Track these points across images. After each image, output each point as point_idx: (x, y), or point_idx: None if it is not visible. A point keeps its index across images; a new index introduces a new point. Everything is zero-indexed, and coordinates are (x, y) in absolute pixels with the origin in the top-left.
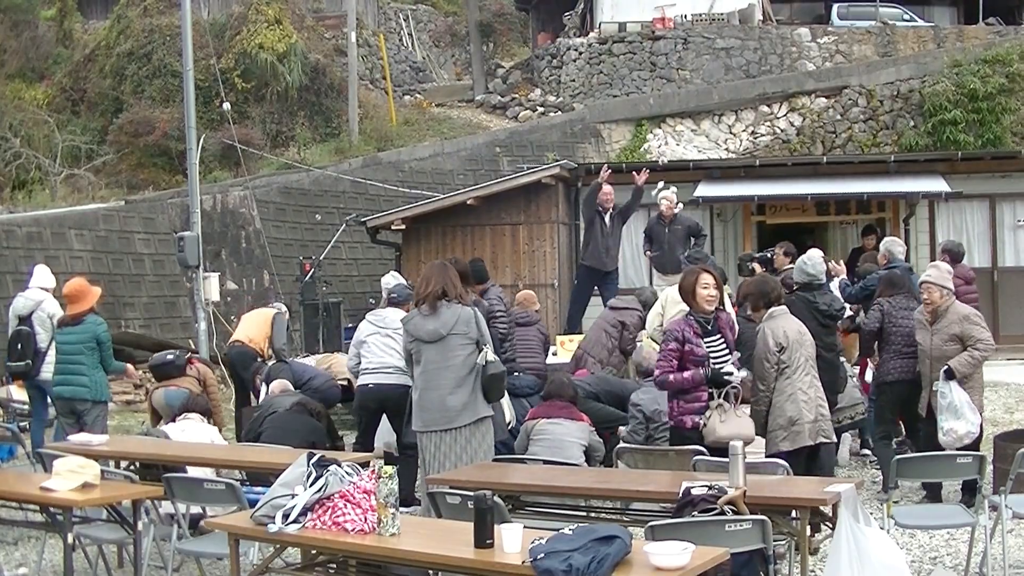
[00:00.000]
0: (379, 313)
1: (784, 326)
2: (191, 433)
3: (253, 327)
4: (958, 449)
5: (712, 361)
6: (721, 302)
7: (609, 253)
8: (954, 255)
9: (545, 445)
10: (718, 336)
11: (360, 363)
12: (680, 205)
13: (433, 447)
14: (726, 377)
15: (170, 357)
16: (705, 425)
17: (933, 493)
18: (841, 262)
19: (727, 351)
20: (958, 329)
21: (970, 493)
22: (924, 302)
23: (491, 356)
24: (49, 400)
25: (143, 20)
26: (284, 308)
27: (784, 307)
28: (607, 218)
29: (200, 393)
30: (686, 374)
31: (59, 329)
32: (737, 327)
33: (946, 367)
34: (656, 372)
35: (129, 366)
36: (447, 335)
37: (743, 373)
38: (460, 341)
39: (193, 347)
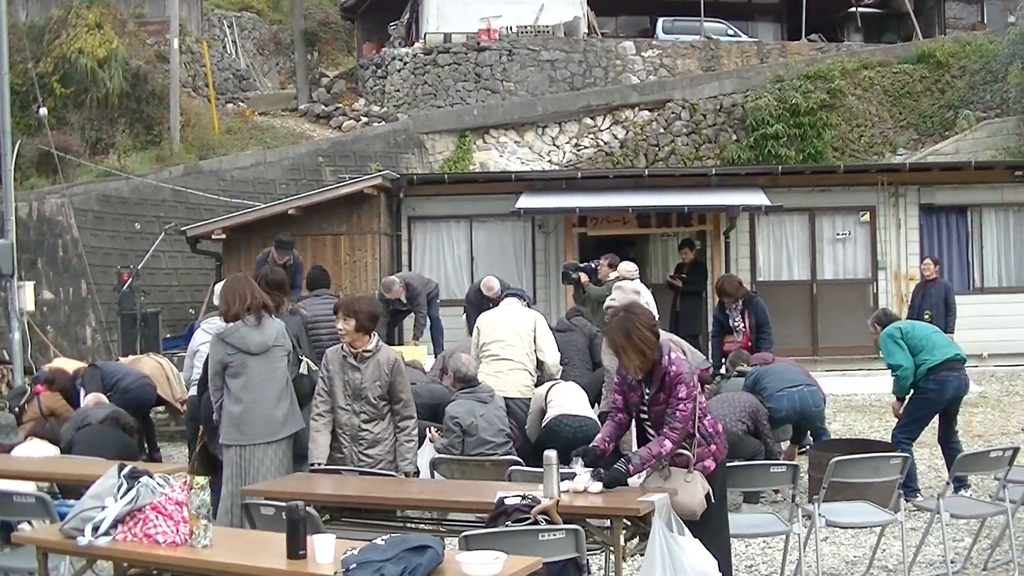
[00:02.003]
0: (212, 321)
1: None
2: (33, 452)
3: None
4: None
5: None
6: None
7: None
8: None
9: None
10: (648, 389)
11: (194, 373)
12: None
13: (256, 460)
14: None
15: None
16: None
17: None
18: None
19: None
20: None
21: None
22: None
23: (314, 365)
24: None
25: None
26: None
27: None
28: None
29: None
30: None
31: None
32: (681, 377)
33: None
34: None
35: None
36: (272, 347)
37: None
38: (280, 353)
39: (7, 357)
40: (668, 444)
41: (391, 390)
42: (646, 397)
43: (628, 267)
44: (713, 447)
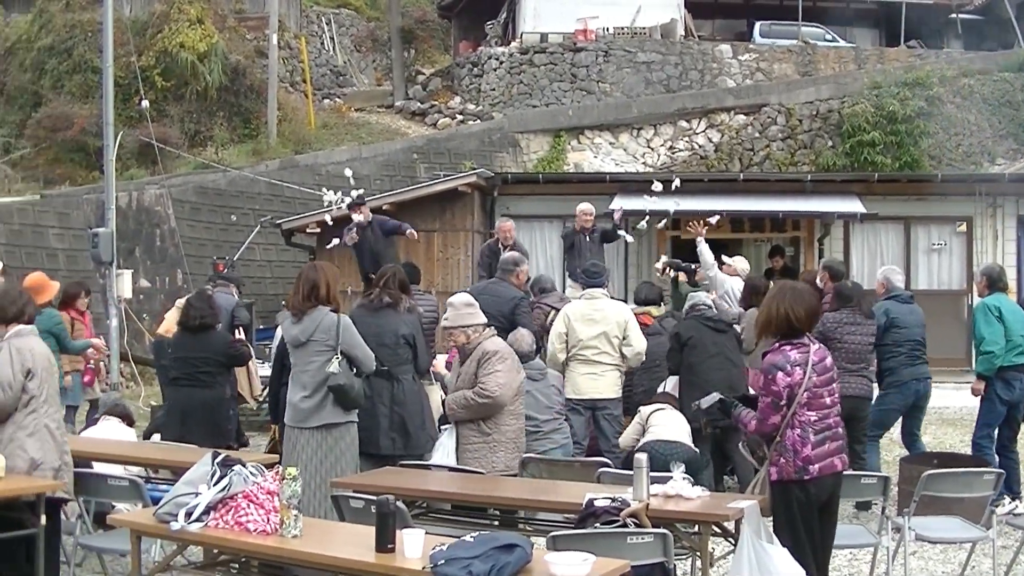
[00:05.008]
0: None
1: (32, 347)
2: (109, 435)
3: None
4: None
5: None
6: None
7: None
8: (834, 273)
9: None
10: None
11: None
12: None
13: (294, 439)
14: None
15: None
16: None
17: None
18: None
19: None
20: (474, 368)
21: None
22: (455, 346)
23: (335, 368)
24: None
25: (65, 15)
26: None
27: (31, 327)
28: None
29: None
30: None
31: None
32: (764, 367)
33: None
34: None
35: (95, 340)
36: (306, 342)
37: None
38: (317, 348)
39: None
40: (752, 424)
41: None
42: None
43: (742, 264)
44: (782, 460)
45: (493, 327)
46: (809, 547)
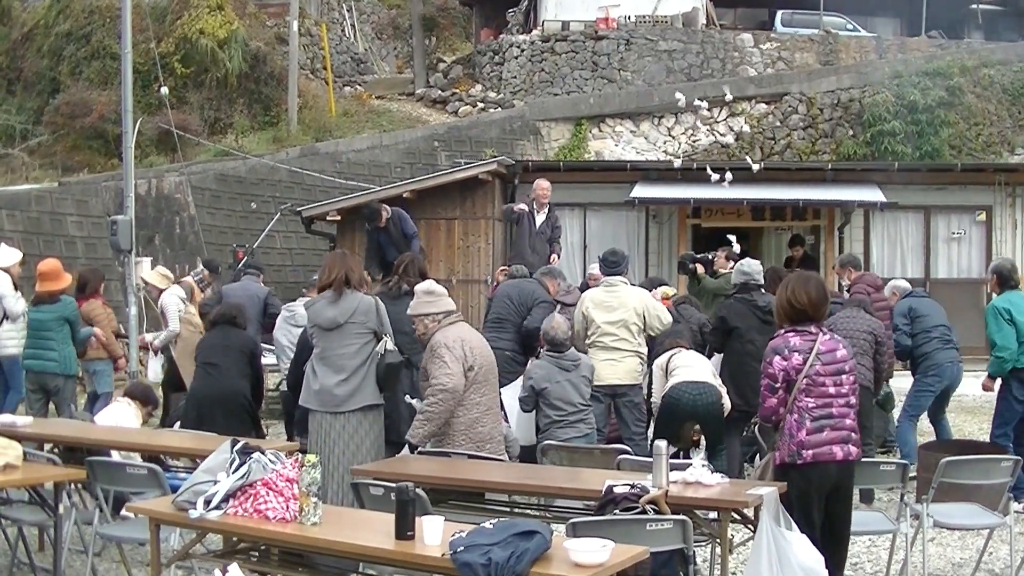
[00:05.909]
0: (291, 308)
1: None
2: (115, 418)
3: None
4: None
5: None
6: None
7: (536, 252)
8: (855, 264)
9: None
10: None
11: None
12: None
13: (327, 426)
14: None
15: None
16: None
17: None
18: None
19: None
20: (425, 362)
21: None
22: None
23: (390, 346)
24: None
25: (83, 0)
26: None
27: None
28: (538, 216)
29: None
30: None
31: (34, 306)
32: (765, 352)
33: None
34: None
35: (97, 330)
36: (344, 323)
37: None
38: (357, 330)
39: (123, 331)
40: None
41: None
42: None
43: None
44: (782, 444)
45: (458, 315)
46: (808, 533)
